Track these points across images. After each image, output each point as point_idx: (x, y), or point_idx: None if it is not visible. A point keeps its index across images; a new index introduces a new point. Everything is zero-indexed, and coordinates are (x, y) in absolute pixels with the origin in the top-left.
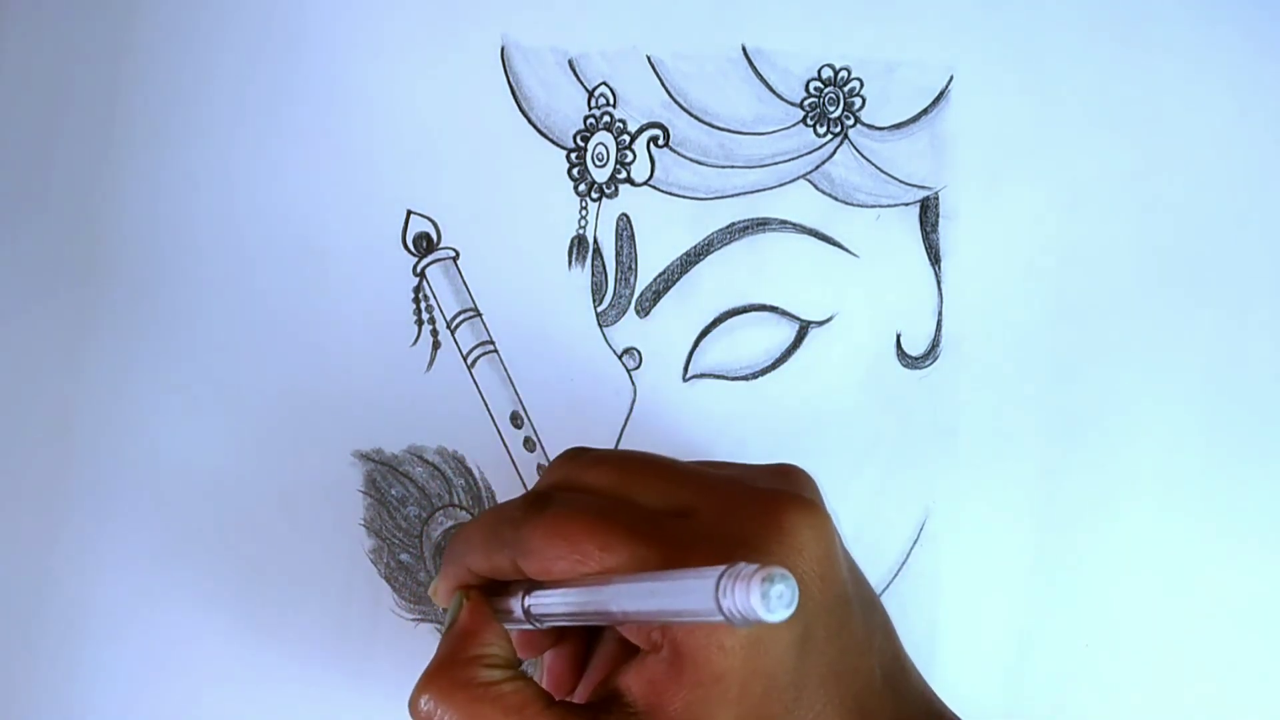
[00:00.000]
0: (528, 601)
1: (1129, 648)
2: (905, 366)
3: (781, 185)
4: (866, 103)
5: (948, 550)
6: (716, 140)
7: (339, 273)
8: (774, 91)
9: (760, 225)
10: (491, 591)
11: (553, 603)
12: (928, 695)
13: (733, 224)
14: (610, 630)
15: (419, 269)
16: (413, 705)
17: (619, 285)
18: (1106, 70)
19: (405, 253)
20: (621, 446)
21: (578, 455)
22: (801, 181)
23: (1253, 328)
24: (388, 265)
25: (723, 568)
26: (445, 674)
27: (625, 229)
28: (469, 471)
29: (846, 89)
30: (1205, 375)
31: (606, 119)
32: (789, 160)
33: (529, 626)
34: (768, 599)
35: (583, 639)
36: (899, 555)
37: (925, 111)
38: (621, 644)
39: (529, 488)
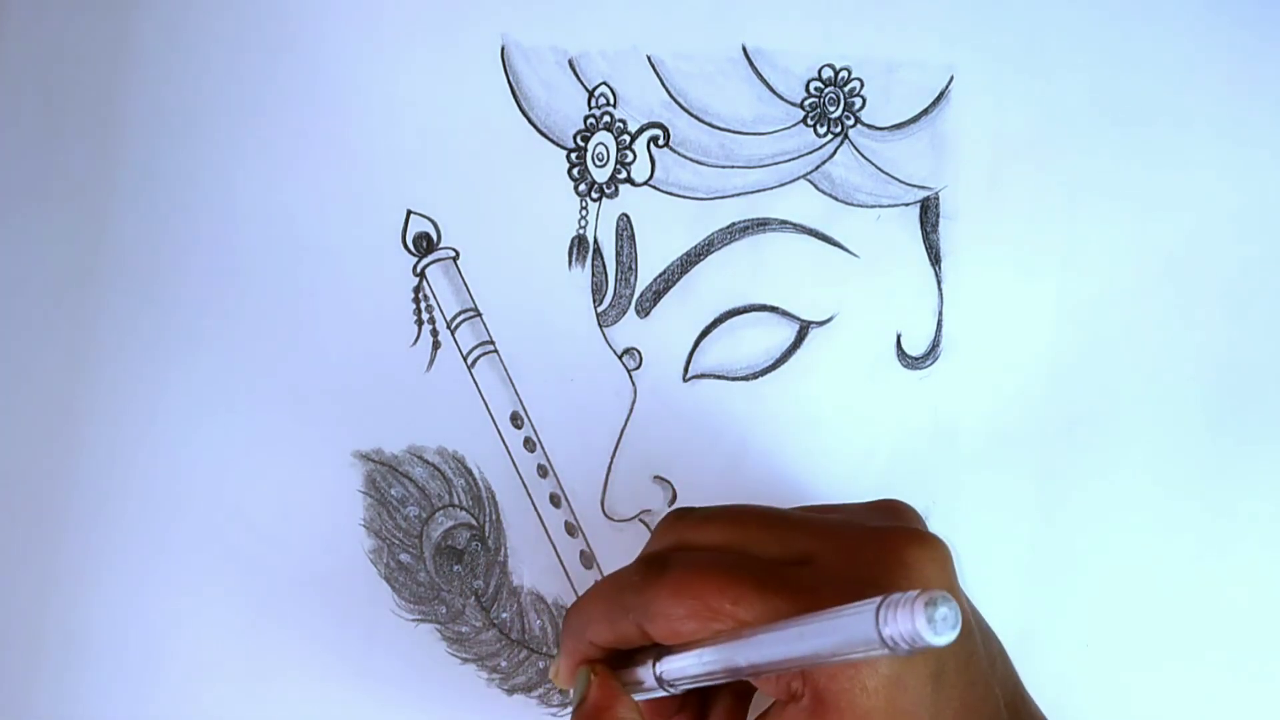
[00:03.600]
0: (660, 668)
1: (1129, 648)
2: (905, 366)
3: (782, 185)
4: (867, 103)
5: None
6: (717, 140)
7: (339, 273)
8: (774, 91)
9: (760, 225)
10: (613, 665)
11: (688, 665)
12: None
13: (733, 224)
14: (725, 687)
15: (419, 269)
16: None
17: (619, 285)
18: (1106, 70)
19: (405, 253)
20: (620, 447)
21: (685, 515)
22: (802, 181)
23: (1253, 327)
24: (388, 265)
25: (879, 598)
26: None
27: (625, 229)
28: (469, 471)
29: (847, 89)
30: (1205, 375)
31: (607, 119)
32: (789, 160)
33: (661, 693)
34: (934, 622)
35: (700, 699)
36: None
37: (925, 111)
38: (736, 698)
39: (529, 489)
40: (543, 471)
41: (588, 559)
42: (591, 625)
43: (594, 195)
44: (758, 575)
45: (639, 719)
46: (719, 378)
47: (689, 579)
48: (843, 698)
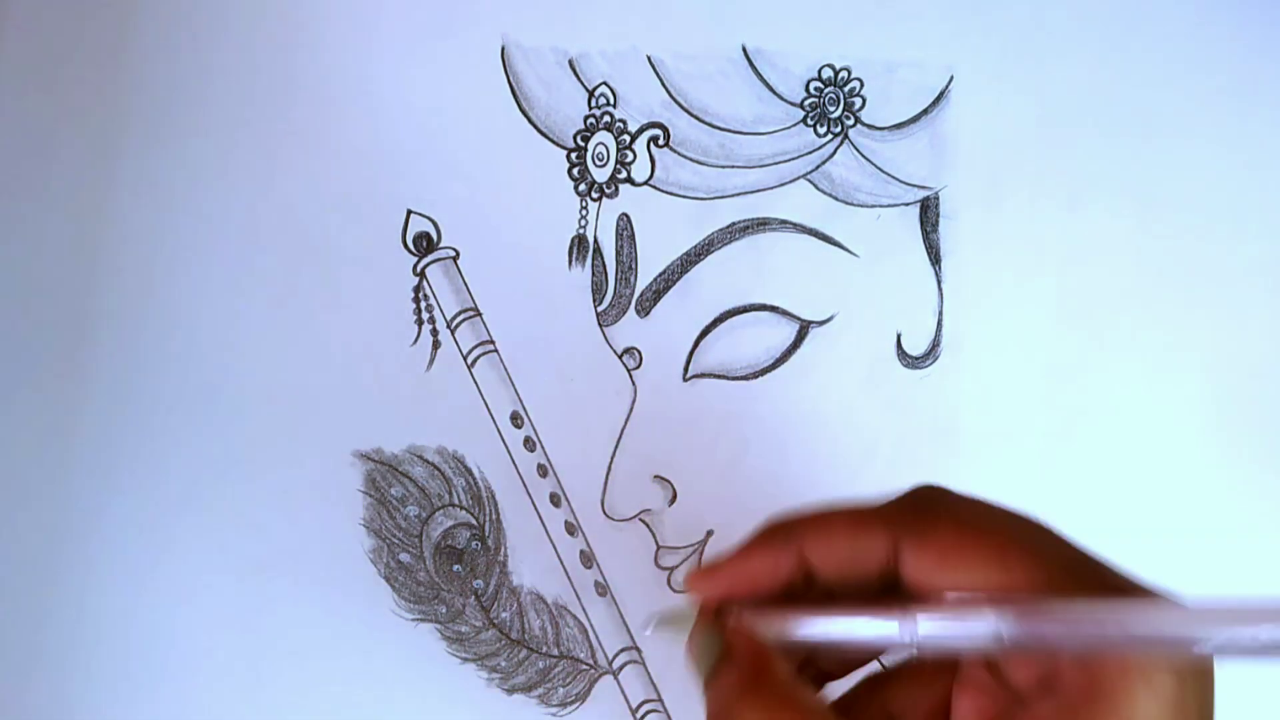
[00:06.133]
0: (921, 624)
1: None
2: (905, 366)
3: (782, 185)
4: (867, 103)
5: None
6: (717, 140)
7: (339, 273)
8: (774, 91)
9: (761, 225)
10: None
11: (952, 627)
12: None
13: (733, 224)
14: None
15: (419, 269)
16: None
17: (619, 285)
18: (1106, 70)
19: (405, 253)
20: (620, 447)
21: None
22: (802, 181)
23: (1252, 327)
24: (388, 265)
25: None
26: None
27: (625, 229)
28: (469, 471)
29: (847, 89)
30: (1205, 374)
31: (607, 119)
32: (789, 160)
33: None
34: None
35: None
36: None
37: (925, 111)
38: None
39: (529, 488)
40: (543, 471)
41: (587, 558)
42: (820, 537)
43: (594, 195)
44: (1054, 550)
45: (795, 680)
46: (719, 377)
47: (982, 523)
48: (1127, 698)
